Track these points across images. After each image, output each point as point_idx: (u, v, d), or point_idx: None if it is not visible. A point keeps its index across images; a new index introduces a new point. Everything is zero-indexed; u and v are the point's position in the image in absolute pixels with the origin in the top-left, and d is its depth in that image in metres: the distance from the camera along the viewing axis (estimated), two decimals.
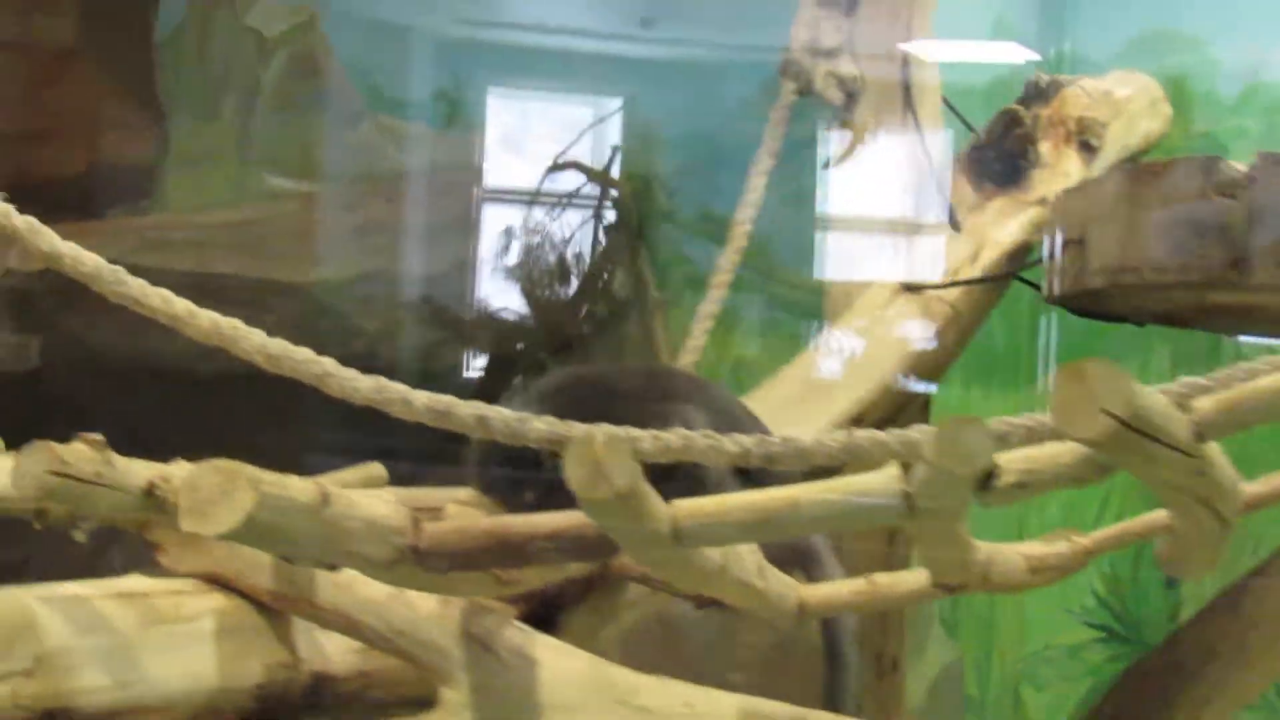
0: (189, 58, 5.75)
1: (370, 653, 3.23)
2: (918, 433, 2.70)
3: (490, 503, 3.32)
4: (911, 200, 5.54)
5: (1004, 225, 4.03)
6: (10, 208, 2.98)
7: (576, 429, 2.85)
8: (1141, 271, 3.43)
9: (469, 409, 2.84)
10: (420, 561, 2.70)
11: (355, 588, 2.98)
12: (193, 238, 5.75)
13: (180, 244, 5.71)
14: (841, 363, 3.83)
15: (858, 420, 3.80)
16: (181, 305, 2.95)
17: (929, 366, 3.97)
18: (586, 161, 5.99)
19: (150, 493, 2.69)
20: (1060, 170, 4.08)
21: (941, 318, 3.92)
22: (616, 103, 6.12)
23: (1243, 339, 5.25)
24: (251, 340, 2.94)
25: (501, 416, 2.85)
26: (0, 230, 2.99)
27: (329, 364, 2.92)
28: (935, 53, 5.59)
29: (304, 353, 2.93)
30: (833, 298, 4.18)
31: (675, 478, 3.05)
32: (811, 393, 3.68)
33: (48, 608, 2.84)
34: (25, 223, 2.99)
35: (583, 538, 2.65)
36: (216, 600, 3.07)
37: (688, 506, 2.58)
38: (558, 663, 2.86)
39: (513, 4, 6.33)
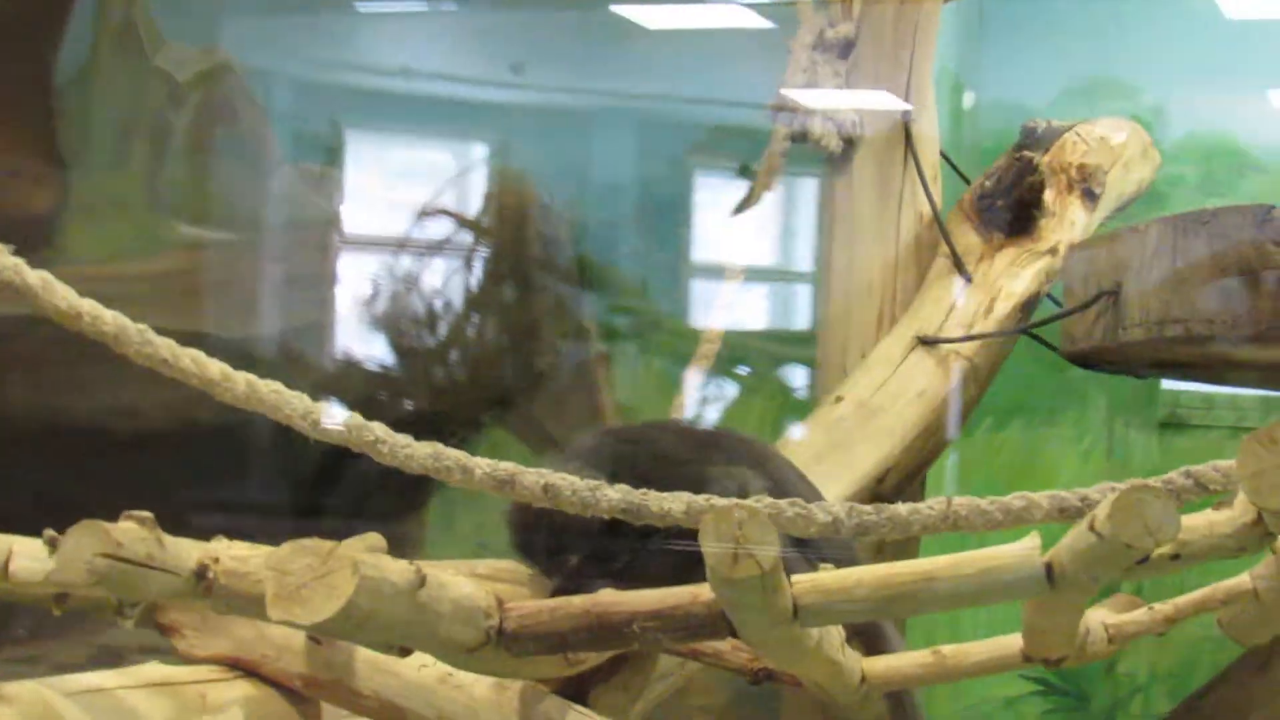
0: (94, 102, 5.42)
1: None
2: (1076, 497, 2.53)
3: (525, 571, 3.10)
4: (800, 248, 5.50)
5: (1016, 276, 3.89)
6: (22, 262, 2.72)
7: (652, 497, 2.66)
8: (1189, 324, 3.30)
9: (534, 477, 2.65)
10: (506, 644, 2.49)
11: (400, 671, 2.74)
12: (98, 290, 5.43)
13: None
14: (862, 419, 3.66)
15: (881, 479, 3.65)
16: (216, 368, 2.70)
17: (948, 421, 3.82)
18: (455, 208, 5.79)
19: (202, 575, 2.43)
20: (1066, 219, 3.95)
21: (959, 371, 3.77)
22: (484, 149, 5.93)
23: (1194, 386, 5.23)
24: (294, 405, 2.70)
25: (570, 485, 2.65)
26: (9, 285, 2.72)
27: (379, 430, 2.69)
28: (806, 100, 5.51)
29: (355, 419, 2.70)
30: (826, 348, 4.01)
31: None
32: (833, 450, 3.52)
33: (73, 703, 2.57)
34: (40, 279, 2.73)
35: (691, 616, 2.45)
36: (243, 688, 2.83)
37: (809, 583, 2.41)
38: None
39: (378, 47, 6.13)
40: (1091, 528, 2.19)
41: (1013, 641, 2.95)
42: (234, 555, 2.49)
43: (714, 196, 5.89)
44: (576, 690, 3.05)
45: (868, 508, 2.61)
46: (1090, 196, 3.92)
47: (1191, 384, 5.21)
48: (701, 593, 2.44)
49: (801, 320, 5.84)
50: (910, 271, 3.96)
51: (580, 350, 5.41)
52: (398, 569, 2.32)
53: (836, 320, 3.98)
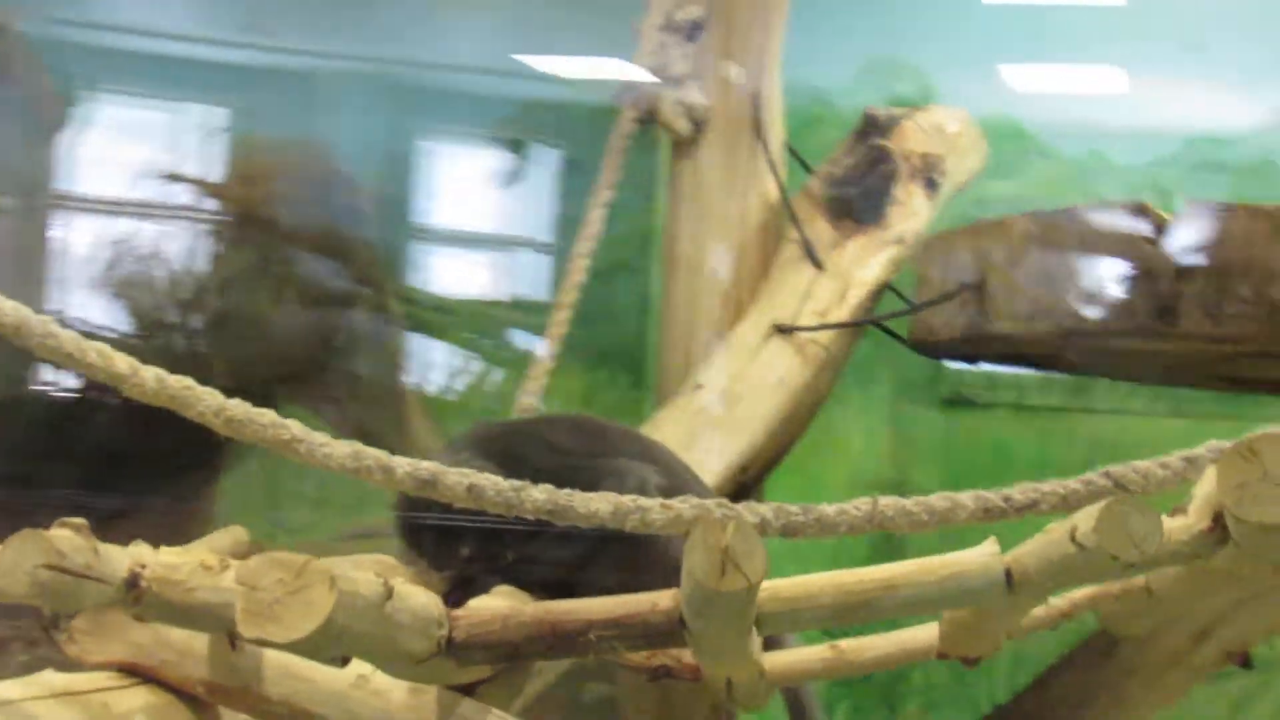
0: None
1: None
2: (1000, 496, 2.54)
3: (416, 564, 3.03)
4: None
5: (867, 264, 3.90)
6: None
7: (578, 499, 2.60)
8: (1059, 319, 3.36)
9: (457, 477, 2.57)
10: (454, 654, 2.42)
11: (311, 676, 2.64)
12: None
13: None
14: (723, 408, 3.64)
15: (745, 468, 3.63)
16: (123, 361, 2.56)
17: (807, 409, 3.82)
18: (198, 172, 5.62)
19: (133, 584, 2.32)
20: (910, 208, 3.98)
21: (816, 360, 3.78)
22: (226, 111, 5.78)
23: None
24: (206, 402, 2.58)
25: (495, 486, 2.58)
26: None
27: (296, 428, 2.58)
28: (545, 67, 5.50)
29: (268, 416, 2.59)
30: (670, 332, 3.98)
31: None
32: (697, 439, 3.49)
33: None
34: None
35: (649, 625, 2.42)
36: (144, 695, 2.71)
37: (770, 591, 2.39)
38: None
39: (116, 6, 5.91)
40: (1073, 539, 2.20)
41: (916, 636, 2.95)
42: (163, 562, 2.38)
43: (459, 163, 5.81)
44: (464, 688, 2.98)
45: (794, 508, 2.58)
46: (932, 185, 3.96)
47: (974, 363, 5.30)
48: (660, 600, 2.41)
49: (540, 290, 5.80)
50: (756, 257, 3.95)
51: (378, 327, 5.28)
52: (367, 582, 2.24)
53: (680, 304, 3.95)
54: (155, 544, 2.47)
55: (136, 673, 2.70)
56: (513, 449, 3.02)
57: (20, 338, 2.55)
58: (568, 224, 5.50)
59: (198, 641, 2.67)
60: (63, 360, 2.58)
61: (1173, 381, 4.35)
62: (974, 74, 5.55)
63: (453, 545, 3.02)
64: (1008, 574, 2.36)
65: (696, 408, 3.61)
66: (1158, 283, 3.24)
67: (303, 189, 5.55)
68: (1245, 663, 3.49)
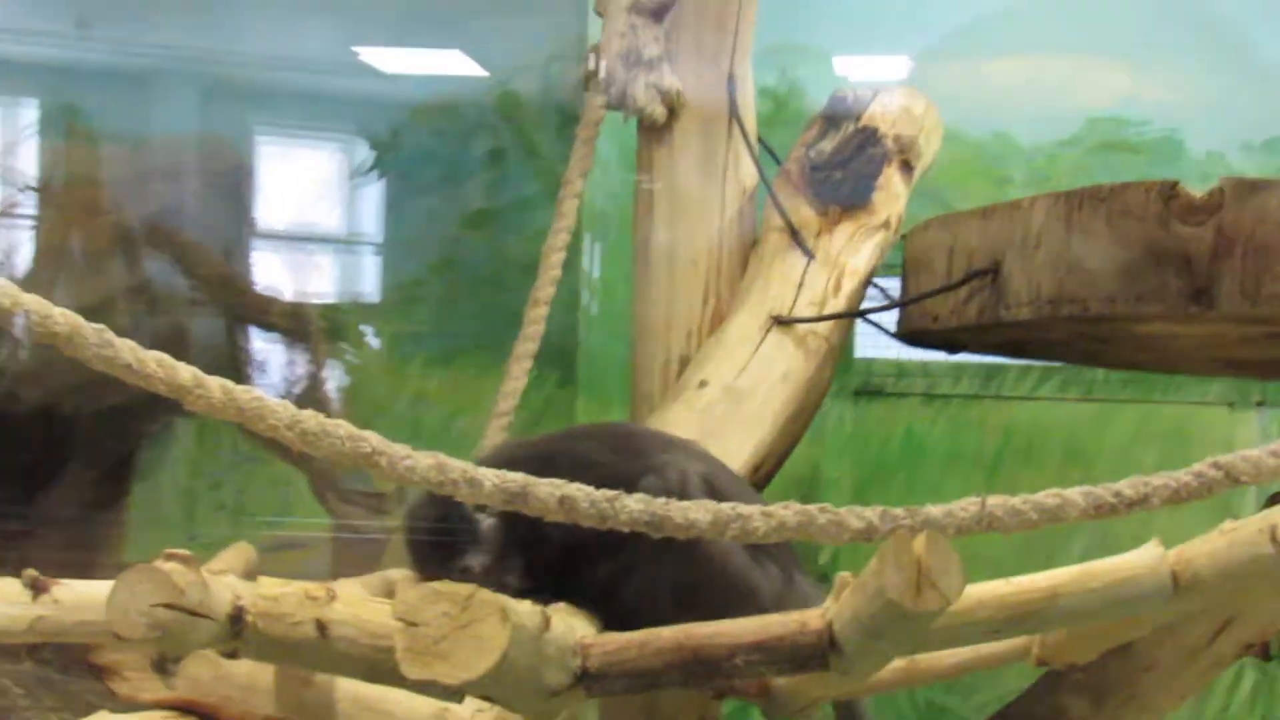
0: None
1: None
2: (1109, 493, 2.40)
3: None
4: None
5: (857, 251, 3.76)
6: None
7: (675, 508, 2.41)
8: (1088, 303, 3.25)
9: (549, 489, 2.36)
10: (589, 685, 2.23)
11: (389, 709, 2.45)
12: None
13: None
14: (732, 405, 3.47)
15: (759, 466, 3.47)
16: (187, 373, 2.31)
17: (813, 403, 3.67)
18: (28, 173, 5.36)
19: (237, 618, 2.10)
20: (891, 192, 3.85)
21: (818, 352, 3.62)
22: (48, 107, 5.52)
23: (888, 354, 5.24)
24: (278, 415, 2.34)
25: (589, 496, 2.38)
26: None
27: (375, 440, 2.36)
28: (378, 62, 5.35)
29: (344, 428, 2.36)
30: (647, 324, 3.80)
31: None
32: (709, 439, 3.31)
33: None
34: None
35: (798, 647, 2.25)
36: None
37: None
38: None
39: None
40: (1274, 540, 2.08)
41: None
42: (264, 594, 2.16)
43: (287, 161, 5.64)
44: None
45: (900, 511, 2.42)
46: (908, 168, 3.84)
47: (884, 353, 5.20)
48: (809, 620, 2.24)
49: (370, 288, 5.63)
50: (734, 246, 3.79)
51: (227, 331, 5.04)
52: (528, 612, 2.04)
53: (658, 297, 3.77)
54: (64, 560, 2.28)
55: (195, 711, 2.47)
56: (545, 470, 2.81)
57: (73, 347, 2.29)
58: (404, 222, 5.35)
59: (263, 675, 2.45)
60: (120, 371, 2.32)
61: (1189, 369, 4.27)
62: (876, 57, 5.48)
63: (467, 558, 2.83)
64: (1174, 578, 2.22)
65: (703, 406, 3.45)
66: (1192, 264, 3.14)
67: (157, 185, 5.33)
68: (1265, 654, 3.41)
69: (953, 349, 3.86)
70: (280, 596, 2.16)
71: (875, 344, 4.87)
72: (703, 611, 2.59)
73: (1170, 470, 4.44)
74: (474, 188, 5.35)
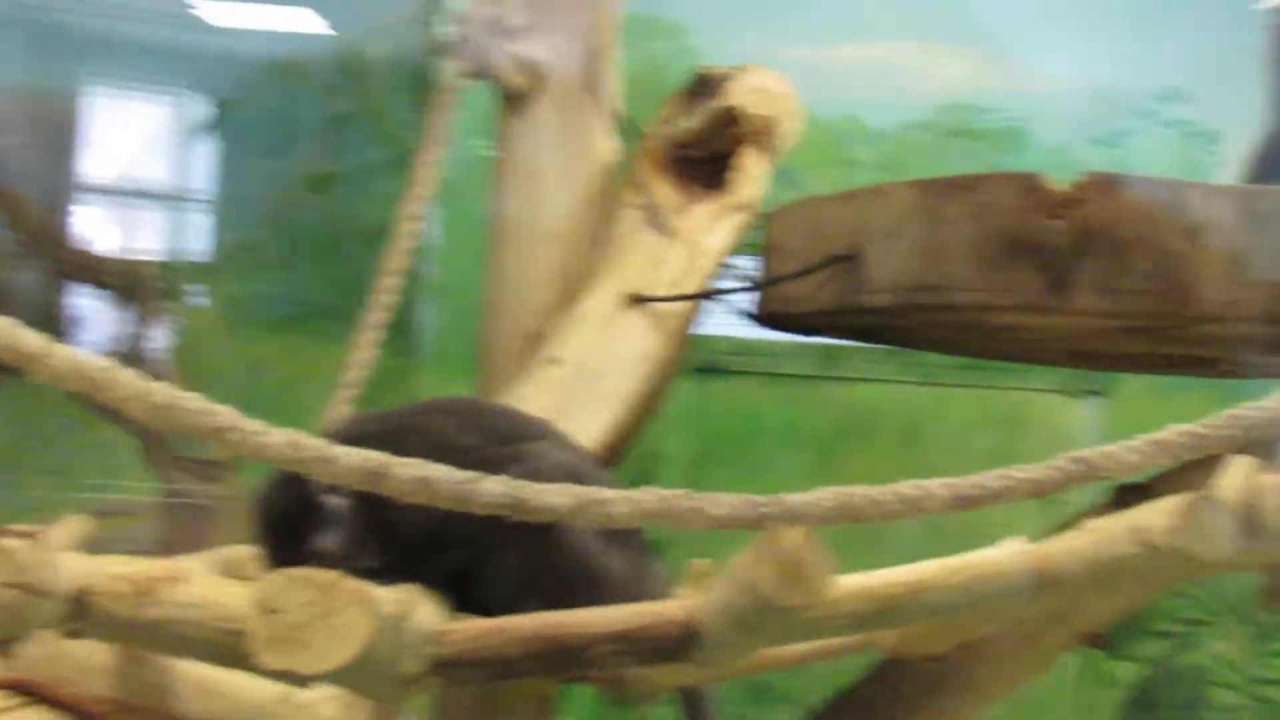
0: None
1: None
2: (970, 485, 2.39)
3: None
4: None
5: (714, 231, 3.71)
6: None
7: (533, 491, 2.36)
8: (948, 292, 3.24)
9: (407, 468, 2.29)
10: (444, 674, 2.17)
11: (229, 691, 2.36)
12: None
13: None
14: (585, 384, 3.42)
15: (611, 445, 3.42)
16: (33, 340, 2.22)
17: (667, 383, 3.63)
18: None
19: (81, 600, 2.02)
20: (750, 173, 3.80)
21: (674, 333, 3.58)
22: None
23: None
24: (127, 386, 2.25)
25: (449, 477, 2.31)
26: None
27: (226, 415, 2.28)
28: (218, 16, 5.26)
29: (193, 401, 2.28)
30: (500, 298, 3.73)
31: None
32: (562, 417, 3.24)
33: None
34: None
35: (661, 639, 2.21)
36: (37, 718, 2.37)
37: None
38: None
39: None
40: (1145, 540, 2.07)
41: None
42: (110, 573, 2.08)
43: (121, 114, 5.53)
44: None
45: (762, 499, 2.39)
46: (766, 149, 3.80)
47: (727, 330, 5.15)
48: (671, 612, 2.20)
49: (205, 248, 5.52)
50: (591, 223, 3.73)
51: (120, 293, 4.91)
52: (390, 600, 1.98)
53: (511, 270, 3.70)
54: None
55: (30, 690, 2.37)
56: (400, 449, 2.74)
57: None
58: (242, 182, 5.24)
59: (99, 655, 2.36)
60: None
61: (1043, 360, 4.29)
62: (734, 35, 5.45)
63: (311, 540, 2.74)
64: (1037, 575, 2.22)
65: (555, 383, 3.38)
66: (1051, 256, 3.14)
67: None
68: (1098, 643, 3.44)
69: (808, 332, 3.84)
70: (127, 576, 2.07)
71: (717, 321, 4.84)
72: (555, 597, 2.54)
73: (1008, 456, 4.47)
74: (316, 150, 5.25)
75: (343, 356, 4.67)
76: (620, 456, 3.46)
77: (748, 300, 3.75)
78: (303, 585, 1.87)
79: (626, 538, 2.85)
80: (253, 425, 2.31)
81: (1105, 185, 3.16)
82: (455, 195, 4.62)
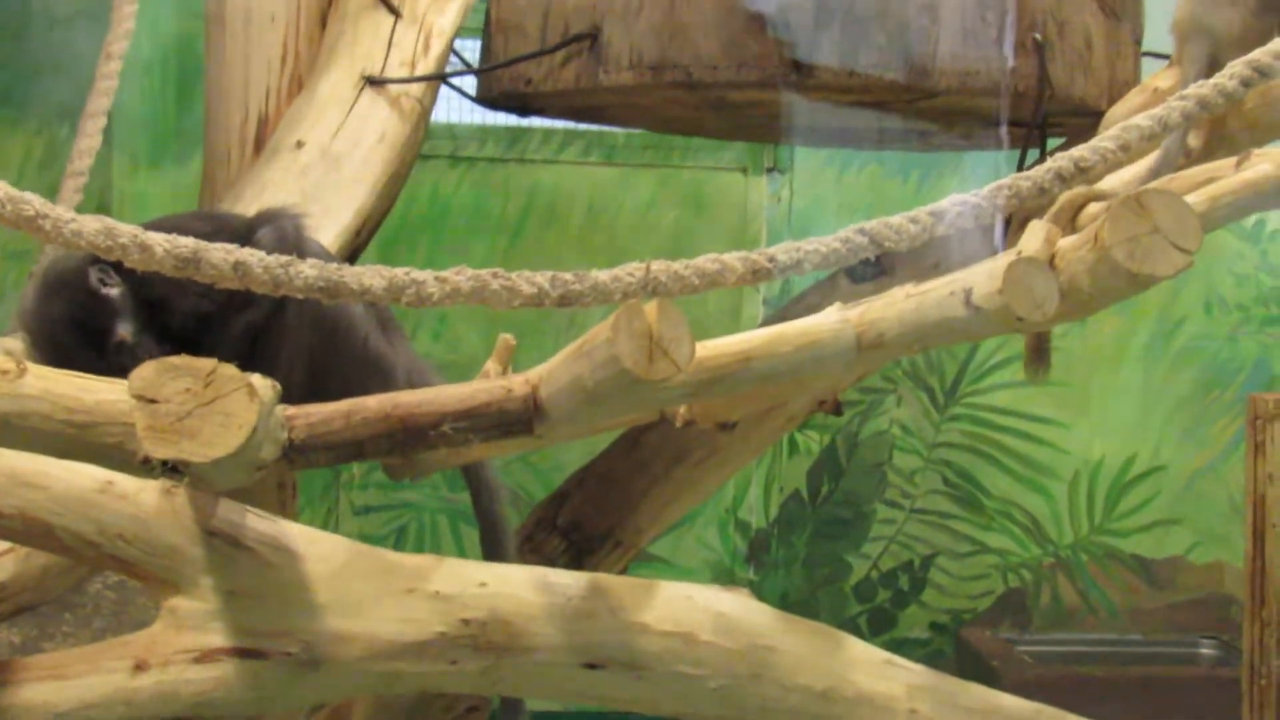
0: None
1: (5, 559, 2.59)
2: (765, 258, 2.47)
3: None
4: None
5: (443, 11, 3.67)
6: None
7: (349, 273, 2.37)
8: (690, 69, 3.29)
9: (222, 254, 2.29)
10: (293, 458, 2.18)
11: (47, 484, 2.28)
12: None
13: None
14: (330, 168, 3.38)
15: (359, 231, 3.40)
16: None
17: (408, 165, 3.59)
18: None
19: None
20: None
21: (413, 114, 3.55)
22: None
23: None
24: None
25: (263, 262, 2.31)
26: None
27: (38, 203, 2.24)
28: None
29: (3, 190, 2.23)
30: (222, 82, 3.64)
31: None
32: (309, 202, 3.22)
33: None
34: None
35: (505, 414, 2.25)
36: None
37: None
38: (323, 552, 2.36)
39: None
40: (968, 301, 2.18)
41: None
42: None
43: None
44: None
45: (569, 275, 2.44)
46: None
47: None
48: (515, 387, 2.24)
49: None
50: (313, 3, 3.66)
51: None
52: (265, 385, 1.97)
53: (234, 53, 3.62)
54: None
55: None
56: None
57: None
58: None
59: None
60: None
61: (766, 138, 4.36)
62: None
63: (109, 334, 2.71)
64: (858, 339, 2.31)
65: (301, 168, 3.34)
66: (793, 32, 3.21)
67: None
68: (836, 410, 3.57)
69: (534, 114, 3.85)
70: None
71: None
72: (339, 384, 2.57)
73: (691, 233, 4.60)
74: None
75: (32, 144, 4.53)
76: (368, 240, 3.44)
77: (470, 83, 3.75)
78: (181, 374, 1.84)
79: (395, 326, 2.88)
80: (64, 213, 2.26)
81: None
82: None
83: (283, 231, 2.78)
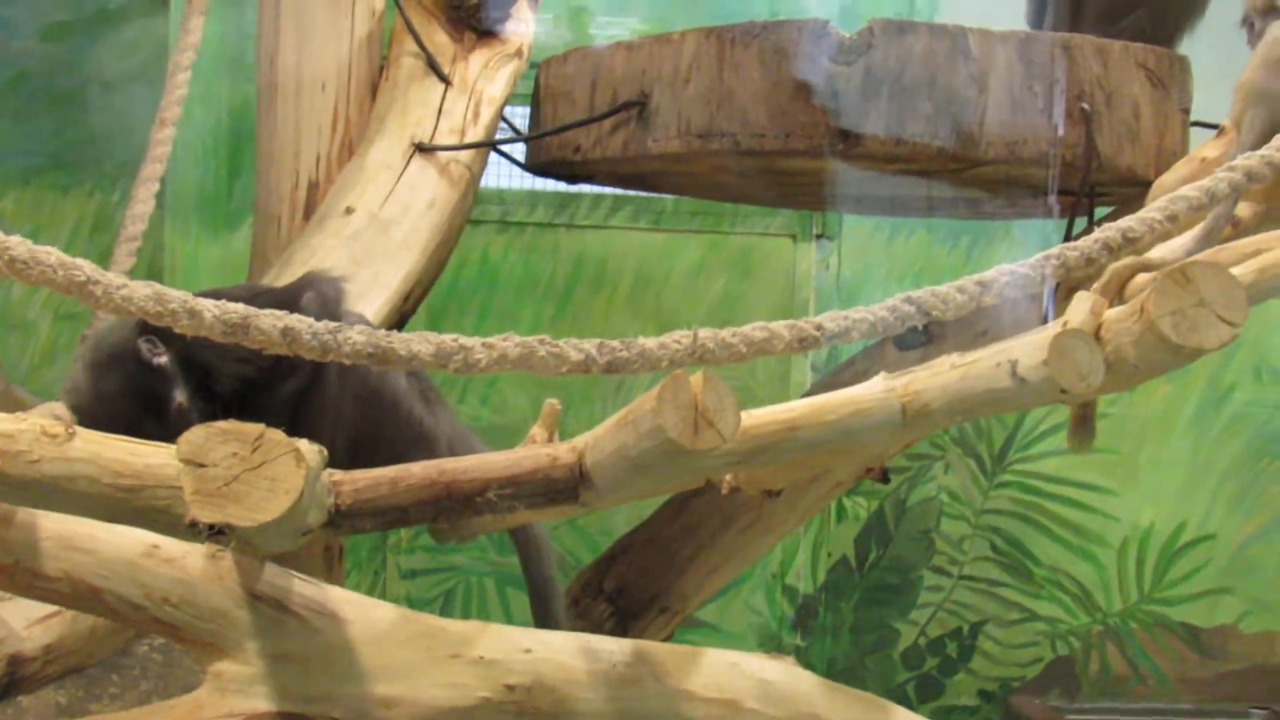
0: None
1: (53, 621, 2.60)
2: (812, 326, 2.48)
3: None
4: None
5: (493, 79, 3.71)
6: None
7: (398, 339, 2.38)
8: (737, 137, 3.31)
9: (271, 320, 2.30)
10: (338, 524, 2.19)
11: (96, 548, 2.32)
12: None
13: None
14: (379, 233, 3.40)
15: (408, 295, 3.42)
16: None
17: (457, 231, 3.62)
18: None
19: None
20: (521, 19, 3.80)
21: (462, 181, 3.58)
22: None
23: None
24: None
25: (311, 329, 2.32)
26: None
27: (89, 269, 2.26)
28: None
29: (55, 255, 2.25)
30: (273, 147, 3.68)
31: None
32: (358, 267, 3.25)
33: None
34: None
35: (551, 481, 2.25)
36: None
37: None
38: (368, 617, 2.38)
39: None
40: (1014, 374, 2.18)
41: None
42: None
43: None
44: None
45: (616, 343, 2.45)
46: None
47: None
48: (560, 454, 2.25)
49: None
50: (364, 71, 3.70)
51: None
52: (310, 451, 1.98)
53: (285, 119, 3.66)
54: None
55: None
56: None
57: None
58: None
59: None
60: None
61: (833, 206, 4.38)
62: None
63: (166, 400, 2.74)
64: (903, 410, 2.31)
65: (351, 233, 3.37)
66: (840, 101, 3.23)
67: None
68: (884, 477, 3.57)
69: (582, 181, 3.88)
70: (16, 434, 2.03)
71: None
72: (383, 454, 2.58)
73: (740, 299, 4.59)
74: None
75: (84, 208, 4.57)
76: (418, 304, 3.47)
77: (518, 150, 3.78)
78: (229, 438, 1.86)
79: (436, 395, 2.90)
80: (115, 279, 2.28)
81: (891, 32, 3.25)
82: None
83: (324, 297, 2.80)
